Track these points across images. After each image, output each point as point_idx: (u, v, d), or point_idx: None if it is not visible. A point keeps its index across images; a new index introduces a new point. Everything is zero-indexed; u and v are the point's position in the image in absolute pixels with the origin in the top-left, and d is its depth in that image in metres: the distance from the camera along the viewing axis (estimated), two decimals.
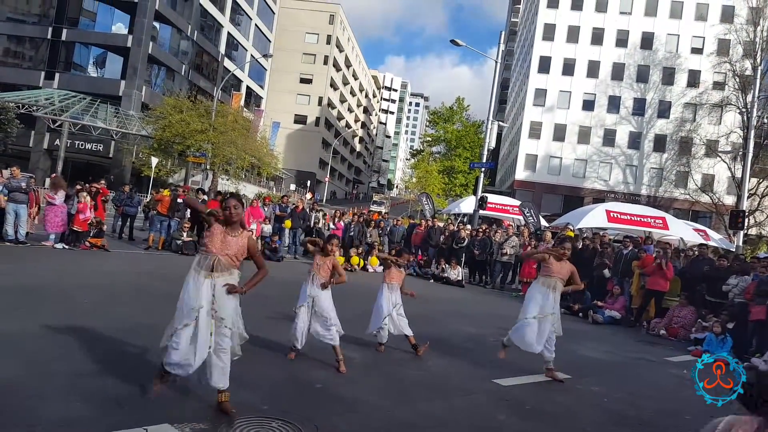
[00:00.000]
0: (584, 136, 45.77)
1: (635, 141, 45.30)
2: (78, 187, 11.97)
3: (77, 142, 32.23)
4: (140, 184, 29.31)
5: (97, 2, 36.41)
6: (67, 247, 11.19)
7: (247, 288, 3.75)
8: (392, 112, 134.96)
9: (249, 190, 40.08)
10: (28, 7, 37.13)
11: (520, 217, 20.05)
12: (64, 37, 35.97)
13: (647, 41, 45.18)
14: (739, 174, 34.87)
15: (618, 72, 45.53)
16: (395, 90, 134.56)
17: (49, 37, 36.02)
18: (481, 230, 16.02)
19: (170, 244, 12.75)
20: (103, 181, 13.78)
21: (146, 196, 20.00)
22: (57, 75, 35.82)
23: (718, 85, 40.37)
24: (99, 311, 5.94)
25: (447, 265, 14.49)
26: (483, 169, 22.15)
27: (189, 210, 12.60)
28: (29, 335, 4.88)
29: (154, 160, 26.74)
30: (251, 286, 3.78)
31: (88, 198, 11.82)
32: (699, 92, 41.59)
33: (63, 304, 6.21)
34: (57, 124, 30.58)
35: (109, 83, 35.72)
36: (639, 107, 45.37)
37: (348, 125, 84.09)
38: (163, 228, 12.92)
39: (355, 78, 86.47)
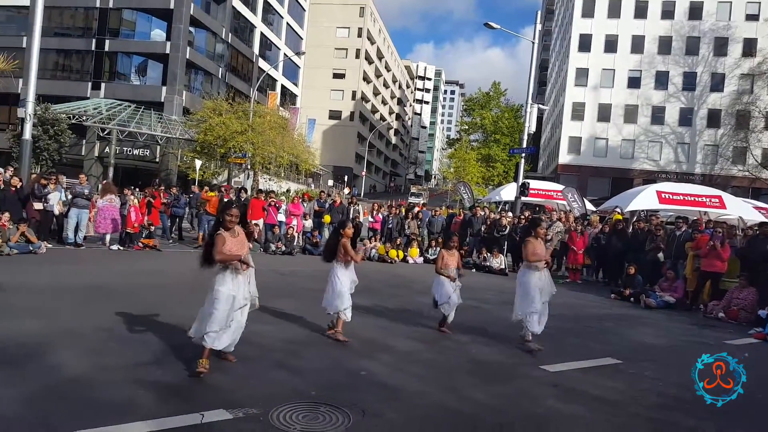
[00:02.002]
0: (631, 115, 43.87)
1: (686, 117, 43.01)
2: (127, 191, 12.58)
3: (125, 149, 33.68)
4: (187, 186, 30.32)
5: (135, 12, 37.81)
6: (122, 248, 11.79)
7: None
8: (427, 102, 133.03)
9: (289, 188, 40.79)
10: (73, 21, 38.95)
11: (565, 203, 19.51)
12: (107, 48, 37.60)
13: (696, 11, 42.66)
14: None
15: (665, 46, 43.26)
16: (429, 79, 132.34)
17: (93, 48, 37.74)
18: (523, 216, 15.69)
19: None
20: (162, 186, 14.35)
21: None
22: (102, 85, 37.51)
23: None
24: (155, 307, 6.21)
25: (488, 254, 14.30)
26: (524, 155, 21.64)
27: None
28: (92, 330, 5.17)
29: (198, 163, 27.58)
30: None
31: (137, 202, 12.44)
32: (756, 62, 38.96)
33: (121, 301, 6.52)
34: (106, 132, 32.03)
35: (151, 90, 37.09)
36: (689, 82, 42.98)
37: (383, 118, 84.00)
38: (211, 227, 13.32)
39: (388, 69, 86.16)
